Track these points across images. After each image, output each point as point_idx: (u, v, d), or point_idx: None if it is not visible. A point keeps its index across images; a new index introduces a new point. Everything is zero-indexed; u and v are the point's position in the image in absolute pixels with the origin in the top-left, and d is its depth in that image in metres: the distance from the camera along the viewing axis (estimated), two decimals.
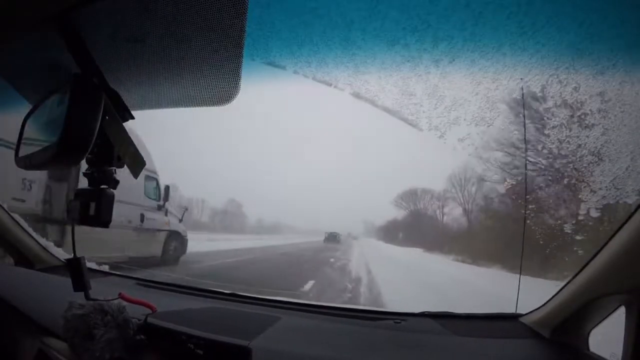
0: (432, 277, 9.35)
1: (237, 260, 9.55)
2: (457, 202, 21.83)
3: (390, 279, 8.26)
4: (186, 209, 8.21)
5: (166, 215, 7.31)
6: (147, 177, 6.71)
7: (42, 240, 1.68)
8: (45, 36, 0.61)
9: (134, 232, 6.41)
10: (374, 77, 0.87)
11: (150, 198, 6.89)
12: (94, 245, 3.95)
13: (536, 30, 0.68)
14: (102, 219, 0.71)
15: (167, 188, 7.24)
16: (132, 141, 0.71)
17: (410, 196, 29.43)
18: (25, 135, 0.73)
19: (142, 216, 6.62)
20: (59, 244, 2.67)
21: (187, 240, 7.89)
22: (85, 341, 0.91)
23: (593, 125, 0.96)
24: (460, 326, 1.13)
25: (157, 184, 7.06)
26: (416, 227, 26.86)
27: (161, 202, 7.15)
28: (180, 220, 7.78)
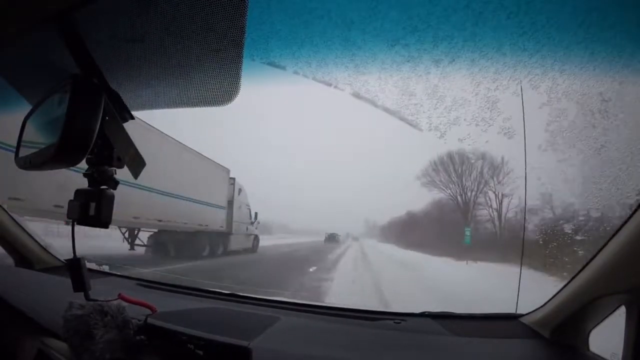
0: None
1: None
2: None
3: None
4: (259, 222, 14.64)
5: (253, 226, 13.88)
6: (248, 209, 13.32)
7: (43, 241, 1.68)
8: (45, 36, 0.61)
9: (244, 236, 12.99)
10: (374, 77, 0.87)
11: (249, 219, 13.40)
12: (236, 243, 11.67)
13: (536, 30, 0.68)
14: (102, 219, 0.71)
15: (256, 214, 13.94)
16: (132, 141, 0.71)
17: (452, 166, 16.58)
18: (25, 135, 0.73)
19: (247, 228, 13.29)
20: (226, 246, 11.03)
21: (259, 239, 14.68)
22: (85, 341, 0.91)
23: (593, 125, 0.96)
24: (460, 326, 1.12)
25: (250, 210, 13.51)
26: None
27: (253, 220, 13.75)
28: (256, 228, 14.35)
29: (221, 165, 10.86)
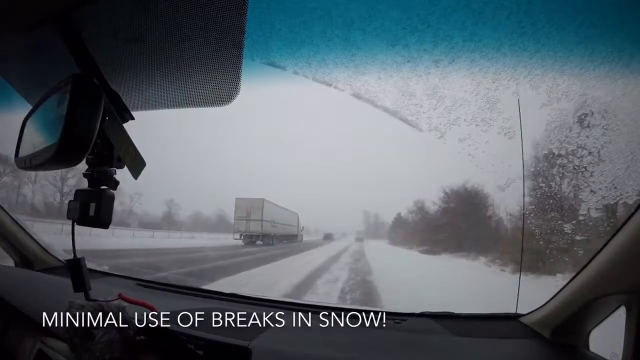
0: None
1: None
2: None
3: None
4: (303, 228, 27.21)
5: (301, 231, 26.76)
6: (300, 224, 26.47)
7: (43, 241, 1.68)
8: (45, 36, 0.61)
9: (299, 235, 26.05)
10: (374, 78, 0.87)
11: (300, 229, 26.53)
12: (298, 238, 26.28)
13: (536, 30, 0.68)
14: (102, 219, 0.70)
15: (303, 227, 27.24)
16: (132, 142, 0.71)
17: None
18: (25, 135, 0.73)
19: (299, 232, 26.32)
20: (295, 239, 25.02)
21: (303, 236, 26.80)
22: (85, 341, 0.91)
23: (593, 125, 0.96)
24: (460, 326, 1.12)
25: (301, 224, 26.55)
26: None
27: (301, 229, 26.53)
28: (302, 231, 26.85)
29: (295, 212, 24.44)
